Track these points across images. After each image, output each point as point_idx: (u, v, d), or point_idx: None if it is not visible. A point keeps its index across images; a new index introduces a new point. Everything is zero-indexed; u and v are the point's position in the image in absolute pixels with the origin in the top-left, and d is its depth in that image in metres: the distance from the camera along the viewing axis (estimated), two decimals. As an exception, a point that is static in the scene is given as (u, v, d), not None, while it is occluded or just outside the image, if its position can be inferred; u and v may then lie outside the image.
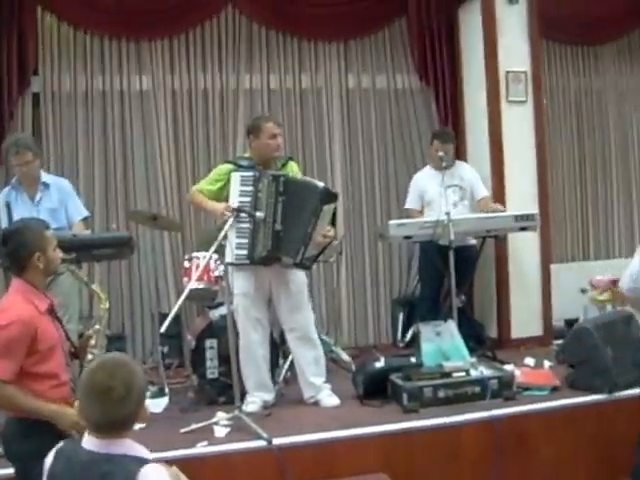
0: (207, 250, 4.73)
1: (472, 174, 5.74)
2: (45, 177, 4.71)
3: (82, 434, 2.73)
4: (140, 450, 2.09)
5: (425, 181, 5.69)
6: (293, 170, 4.50)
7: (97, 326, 3.13)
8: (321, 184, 4.31)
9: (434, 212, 5.33)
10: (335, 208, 4.31)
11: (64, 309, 4.41)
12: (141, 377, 2.13)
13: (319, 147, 6.24)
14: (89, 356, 3.03)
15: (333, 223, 4.32)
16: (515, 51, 5.82)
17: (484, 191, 5.69)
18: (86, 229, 4.74)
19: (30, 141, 4.71)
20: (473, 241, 5.57)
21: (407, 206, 5.80)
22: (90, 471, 2.01)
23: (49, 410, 2.78)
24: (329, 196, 4.27)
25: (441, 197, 5.25)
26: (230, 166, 4.43)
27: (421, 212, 5.67)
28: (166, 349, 5.23)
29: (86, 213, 4.84)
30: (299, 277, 4.41)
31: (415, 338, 5.84)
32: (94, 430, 2.06)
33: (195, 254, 4.91)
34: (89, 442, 2.07)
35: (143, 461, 2.04)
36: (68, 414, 2.78)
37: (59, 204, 4.64)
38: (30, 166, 4.55)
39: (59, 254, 3.02)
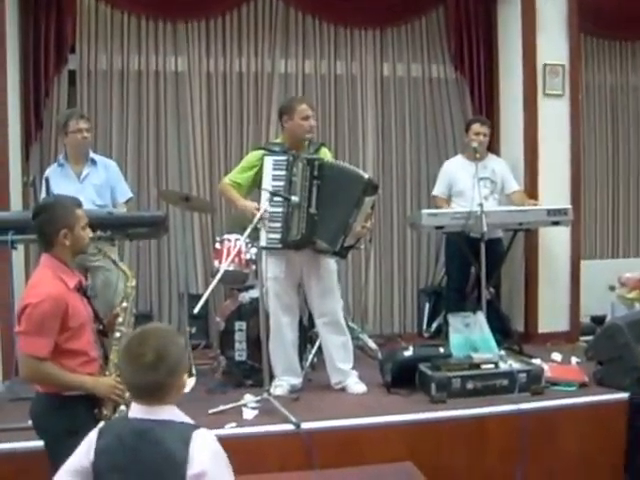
0: (237, 232, 4.79)
1: (504, 167, 5.71)
2: (93, 155, 4.78)
3: (118, 402, 2.81)
4: (187, 418, 2.12)
5: (456, 170, 5.65)
6: (326, 156, 4.50)
7: (124, 304, 3.14)
8: (366, 175, 4.28)
9: (465, 204, 5.30)
10: (375, 200, 4.31)
11: (111, 285, 4.48)
12: (178, 349, 2.13)
13: (352, 134, 6.22)
14: (116, 334, 3.05)
15: (371, 214, 4.33)
16: (553, 44, 5.78)
17: (516, 185, 5.67)
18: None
19: (88, 115, 4.89)
20: (500, 234, 5.55)
21: (435, 193, 5.76)
22: (143, 438, 2.02)
23: (90, 381, 2.84)
24: (372, 188, 4.24)
25: (473, 189, 5.22)
26: (262, 152, 4.44)
27: (447, 201, 5.65)
28: (193, 330, 5.26)
29: (130, 194, 4.93)
30: (329, 263, 4.42)
31: (441, 329, 5.89)
32: (135, 395, 2.10)
33: (226, 236, 4.92)
34: (136, 411, 2.09)
35: (194, 426, 2.08)
36: (105, 382, 2.87)
37: (105, 182, 4.71)
38: (89, 135, 4.66)
39: (88, 233, 3.02)
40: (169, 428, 2.04)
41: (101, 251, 3.34)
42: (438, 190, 5.72)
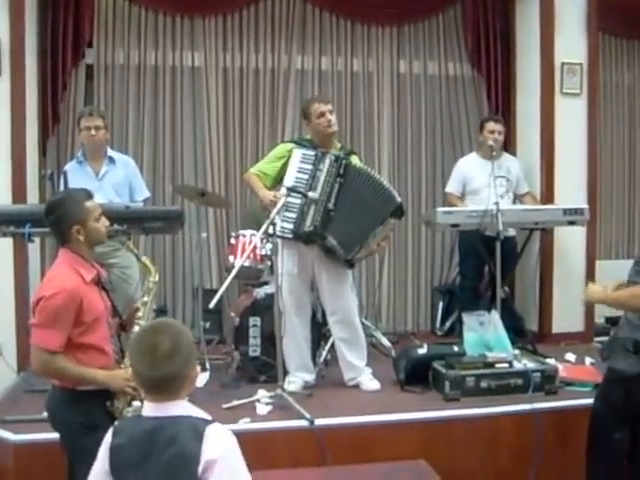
0: (252, 227, 4.80)
1: (518, 167, 5.70)
2: (111, 153, 4.78)
3: (132, 396, 2.81)
4: (200, 412, 2.11)
5: (471, 168, 5.63)
6: (358, 164, 4.50)
7: (145, 298, 3.14)
8: (399, 198, 4.34)
9: (480, 202, 5.28)
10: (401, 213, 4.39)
11: (130, 279, 4.52)
12: (189, 338, 2.14)
13: (368, 131, 6.21)
14: (135, 328, 3.05)
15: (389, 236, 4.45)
16: (571, 42, 5.74)
17: (526, 187, 5.70)
18: None
19: (103, 112, 4.87)
20: (513, 232, 5.52)
21: (448, 190, 5.75)
22: (156, 436, 2.02)
23: (103, 375, 2.82)
24: (401, 212, 4.36)
25: (489, 187, 5.20)
26: (292, 144, 4.46)
27: (461, 198, 5.64)
28: (207, 325, 5.28)
29: (148, 194, 4.93)
30: None
31: (454, 327, 5.88)
32: (148, 392, 2.09)
33: (241, 231, 4.93)
34: (148, 409, 2.09)
35: (207, 421, 2.07)
36: (119, 375, 2.85)
37: (124, 180, 4.71)
38: (99, 132, 4.61)
39: (104, 223, 2.99)
40: (182, 424, 2.03)
41: (125, 244, 3.35)
42: (452, 187, 5.70)
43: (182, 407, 2.09)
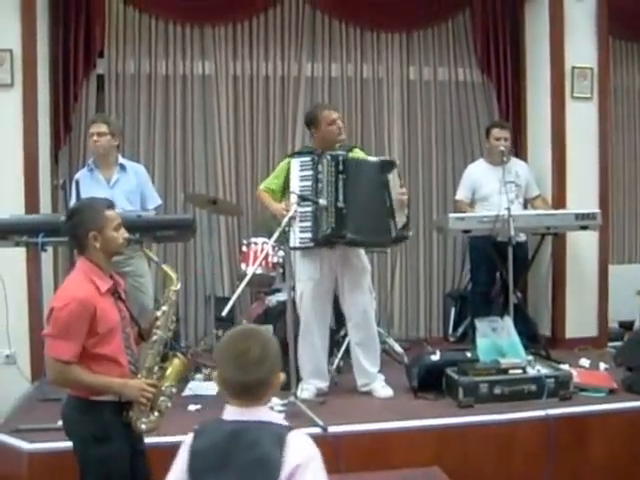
0: (263, 235, 4.81)
1: (527, 171, 5.69)
2: (122, 160, 4.79)
3: (146, 405, 2.80)
4: (281, 419, 2.12)
5: (480, 175, 5.62)
6: (360, 156, 4.51)
7: (164, 307, 3.10)
8: (375, 159, 4.40)
9: (491, 208, 5.27)
10: (397, 167, 4.38)
11: (143, 287, 4.56)
12: (275, 346, 2.14)
13: (378, 137, 6.22)
14: (153, 337, 3.01)
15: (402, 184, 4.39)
16: (582, 47, 5.74)
17: (536, 189, 5.69)
18: None
19: (112, 120, 4.87)
20: (524, 237, 5.50)
21: (458, 197, 5.73)
22: (238, 440, 2.01)
23: (118, 383, 2.81)
24: (388, 164, 4.34)
25: (500, 194, 5.20)
26: (289, 157, 4.49)
27: (470, 205, 5.63)
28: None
29: (159, 202, 4.91)
30: (362, 263, 4.44)
31: (467, 333, 5.86)
32: (233, 396, 2.08)
33: (253, 239, 4.94)
34: (231, 413, 2.08)
35: (289, 427, 2.07)
36: (134, 384, 2.84)
37: (136, 188, 4.71)
38: (102, 139, 4.60)
39: (123, 234, 2.98)
40: (265, 429, 2.03)
41: (146, 253, 3.35)
42: (461, 195, 5.70)
43: (264, 413, 2.09)
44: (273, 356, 2.10)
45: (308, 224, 4.20)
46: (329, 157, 4.22)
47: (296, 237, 4.15)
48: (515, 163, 5.70)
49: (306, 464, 1.98)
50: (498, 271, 5.51)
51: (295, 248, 4.22)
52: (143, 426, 2.83)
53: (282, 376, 2.16)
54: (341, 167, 4.21)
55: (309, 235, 4.19)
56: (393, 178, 4.27)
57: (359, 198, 4.20)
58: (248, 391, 2.06)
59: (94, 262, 2.89)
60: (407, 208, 4.35)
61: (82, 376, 2.77)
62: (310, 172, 4.25)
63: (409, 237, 4.42)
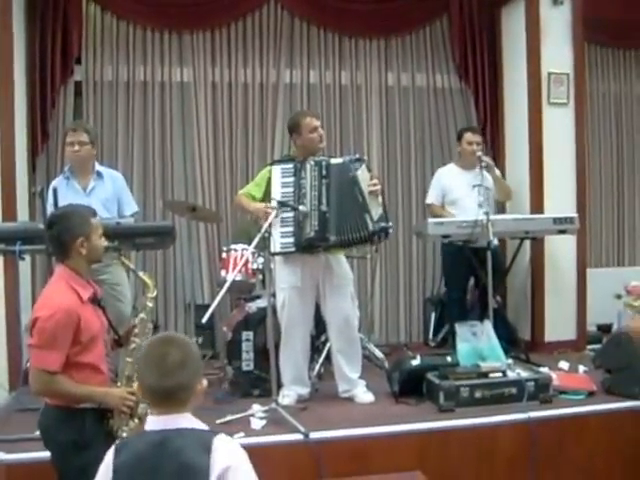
0: (243, 242, 4.79)
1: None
2: (99, 167, 4.75)
3: (128, 414, 2.79)
4: (204, 426, 2.10)
5: (450, 179, 5.63)
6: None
7: (142, 315, 3.10)
8: (341, 159, 4.39)
9: (458, 212, 5.35)
10: (365, 162, 4.35)
11: (121, 296, 4.52)
12: (196, 350, 2.14)
13: (357, 144, 6.22)
14: (131, 345, 3.01)
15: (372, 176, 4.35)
16: (557, 53, 5.78)
17: None
18: None
19: (90, 127, 4.79)
20: (495, 241, 5.50)
21: (430, 201, 5.73)
22: (163, 450, 1.99)
23: (100, 392, 2.80)
24: (355, 161, 4.30)
25: (468, 197, 5.24)
26: (270, 165, 4.48)
27: (443, 208, 5.64)
28: (200, 340, 5.26)
29: (136, 208, 4.89)
30: (344, 270, 4.44)
31: (446, 338, 5.87)
32: (155, 404, 2.07)
33: (233, 246, 4.92)
34: (154, 423, 2.07)
35: (213, 432, 2.06)
36: (115, 392, 2.84)
37: (112, 195, 4.68)
38: (83, 148, 4.56)
39: (104, 243, 2.99)
40: (189, 436, 2.02)
41: (122, 261, 3.33)
42: (433, 198, 5.70)
43: (187, 420, 2.07)
44: (194, 361, 2.10)
45: (289, 229, 4.19)
46: (312, 162, 4.24)
47: (277, 242, 4.14)
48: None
49: (237, 466, 1.99)
50: (472, 276, 5.55)
51: (276, 253, 4.21)
52: (124, 434, 2.81)
53: (204, 382, 2.14)
54: (324, 172, 4.23)
55: (291, 240, 4.18)
56: (362, 173, 4.24)
57: (337, 200, 4.20)
58: (170, 397, 2.04)
59: (74, 269, 2.88)
60: (381, 197, 4.30)
61: (67, 386, 2.76)
62: (292, 179, 4.25)
63: (390, 229, 4.28)
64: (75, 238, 2.85)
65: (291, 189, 4.22)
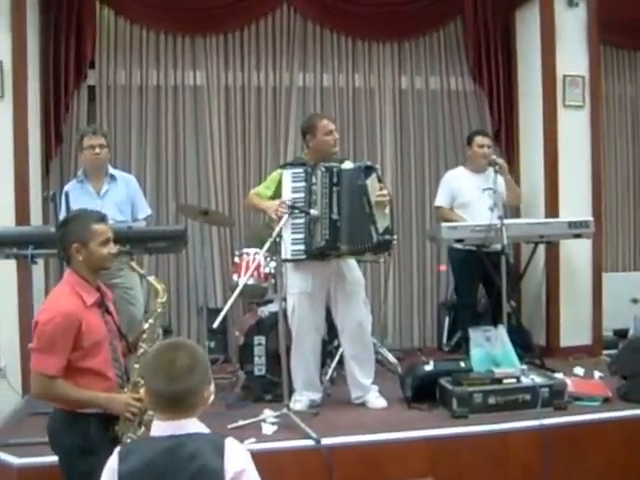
0: (256, 246, 4.78)
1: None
2: (113, 171, 4.77)
3: (132, 420, 2.78)
4: (208, 430, 2.09)
5: (459, 182, 5.57)
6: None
7: (151, 320, 3.07)
8: (351, 165, 4.36)
9: (468, 215, 5.32)
10: (377, 171, 4.27)
11: (134, 300, 4.53)
12: (204, 356, 2.13)
13: (370, 147, 6.21)
14: (139, 350, 2.99)
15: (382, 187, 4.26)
16: (573, 55, 5.74)
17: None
18: None
19: (106, 131, 4.88)
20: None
21: (439, 204, 5.65)
22: (175, 454, 1.98)
23: (102, 398, 2.79)
24: (366, 169, 4.23)
25: (479, 200, 5.21)
26: (281, 169, 4.44)
27: (452, 211, 5.58)
28: (212, 344, 5.25)
29: (150, 212, 4.90)
30: (356, 276, 4.40)
31: (460, 343, 5.82)
32: (163, 410, 2.05)
33: (245, 250, 4.92)
34: (160, 429, 2.05)
35: (223, 435, 2.06)
36: (120, 398, 2.82)
37: (126, 198, 4.69)
38: (102, 151, 4.59)
39: (111, 249, 2.95)
40: (201, 440, 2.01)
41: (131, 266, 3.31)
42: (442, 201, 5.62)
43: (195, 424, 2.06)
44: (202, 366, 2.09)
45: (300, 236, 4.15)
46: (323, 169, 4.19)
47: (288, 249, 4.11)
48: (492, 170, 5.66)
49: (247, 470, 1.99)
50: (482, 282, 5.52)
51: (287, 260, 4.18)
52: (129, 441, 2.78)
53: (212, 388, 2.13)
54: (335, 179, 4.18)
55: (302, 247, 4.15)
56: (371, 183, 4.17)
57: (347, 208, 4.16)
58: (178, 402, 2.03)
59: (80, 274, 2.88)
60: (389, 208, 4.22)
61: (67, 390, 2.76)
62: (303, 184, 4.21)
63: (393, 242, 4.23)
64: (71, 244, 2.86)
65: (302, 194, 4.18)
